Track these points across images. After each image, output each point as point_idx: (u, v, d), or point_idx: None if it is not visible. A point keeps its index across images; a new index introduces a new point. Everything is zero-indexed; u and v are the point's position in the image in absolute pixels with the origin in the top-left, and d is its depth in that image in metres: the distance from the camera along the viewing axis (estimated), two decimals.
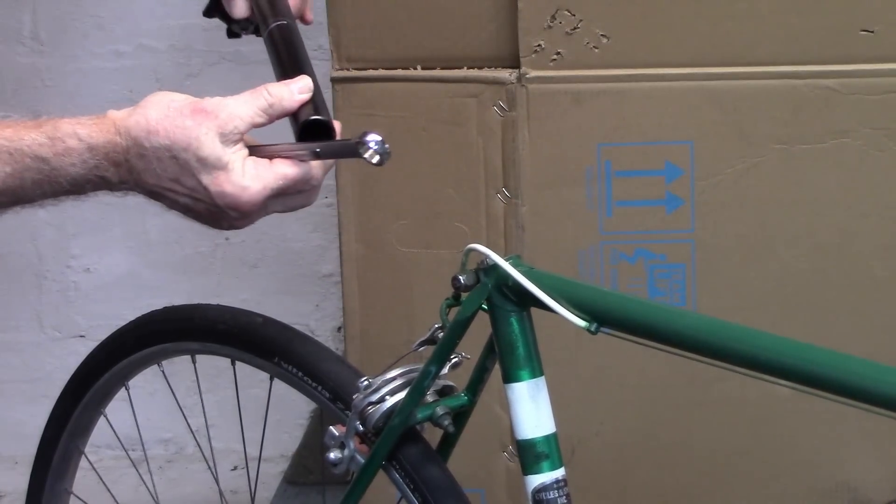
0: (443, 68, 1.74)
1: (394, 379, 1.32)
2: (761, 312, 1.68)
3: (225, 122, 1.09)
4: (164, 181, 1.10)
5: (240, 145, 1.11)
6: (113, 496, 1.84)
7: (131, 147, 1.09)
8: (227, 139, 1.09)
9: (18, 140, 1.09)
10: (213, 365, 1.58)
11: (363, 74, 1.76)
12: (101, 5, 2.61)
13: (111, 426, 1.66)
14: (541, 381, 1.22)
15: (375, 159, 1.10)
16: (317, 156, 1.11)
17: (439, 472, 1.33)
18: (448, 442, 1.37)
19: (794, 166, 1.68)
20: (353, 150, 1.10)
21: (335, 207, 1.84)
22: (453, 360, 1.30)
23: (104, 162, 1.09)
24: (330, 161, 1.15)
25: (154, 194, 1.12)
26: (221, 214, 1.11)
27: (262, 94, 1.12)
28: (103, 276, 2.72)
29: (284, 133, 1.16)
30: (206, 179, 1.09)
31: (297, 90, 1.14)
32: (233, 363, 1.52)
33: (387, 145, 1.10)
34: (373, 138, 1.10)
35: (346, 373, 1.42)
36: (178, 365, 1.61)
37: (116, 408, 1.67)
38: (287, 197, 1.12)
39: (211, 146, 1.08)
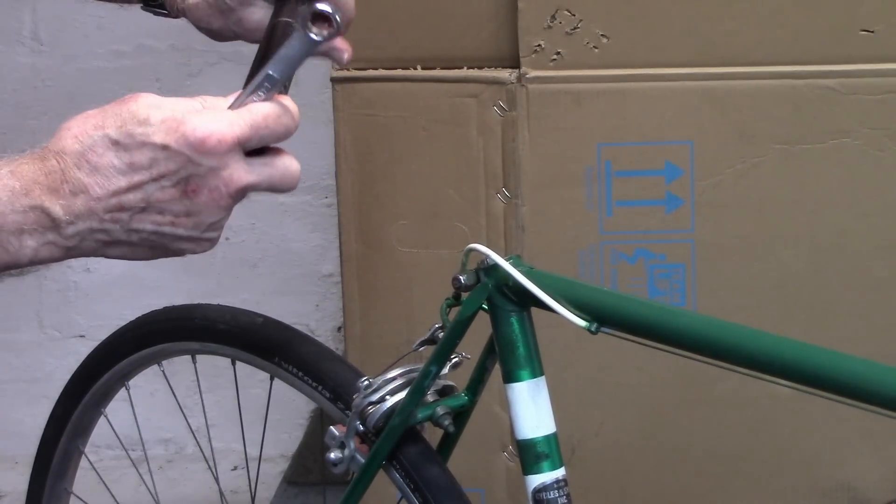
0: (443, 68, 1.74)
1: (394, 379, 1.32)
2: (761, 312, 1.68)
3: (160, 97, 0.94)
4: (117, 178, 0.91)
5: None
6: (113, 496, 1.84)
7: (65, 161, 0.91)
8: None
9: None
10: (213, 365, 1.58)
11: (363, 74, 1.76)
12: (101, 5, 2.61)
13: (111, 426, 1.66)
14: (541, 381, 1.22)
15: (325, 31, 0.91)
16: (274, 81, 0.94)
17: (440, 472, 1.33)
18: (448, 442, 1.37)
19: (794, 166, 1.68)
20: (306, 42, 0.92)
21: (335, 207, 1.84)
22: (453, 360, 1.30)
23: (36, 189, 0.90)
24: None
25: (112, 212, 0.92)
26: (195, 183, 0.92)
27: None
28: (103, 276, 2.72)
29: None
30: (159, 136, 0.90)
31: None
32: (233, 363, 1.52)
33: (338, 17, 0.91)
34: (322, 8, 0.91)
35: (346, 373, 1.42)
36: (178, 365, 1.61)
37: (116, 408, 1.67)
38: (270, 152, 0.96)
39: (146, 107, 0.91)
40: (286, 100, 0.96)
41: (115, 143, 0.91)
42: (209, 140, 0.90)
